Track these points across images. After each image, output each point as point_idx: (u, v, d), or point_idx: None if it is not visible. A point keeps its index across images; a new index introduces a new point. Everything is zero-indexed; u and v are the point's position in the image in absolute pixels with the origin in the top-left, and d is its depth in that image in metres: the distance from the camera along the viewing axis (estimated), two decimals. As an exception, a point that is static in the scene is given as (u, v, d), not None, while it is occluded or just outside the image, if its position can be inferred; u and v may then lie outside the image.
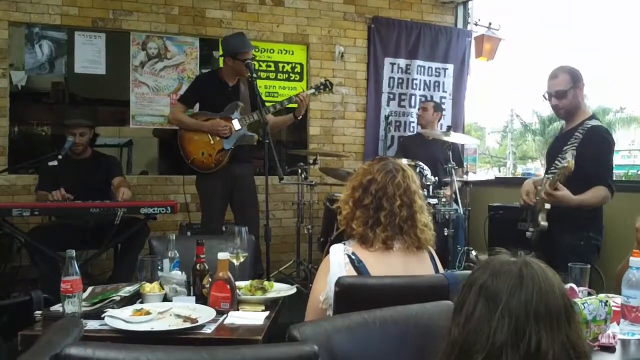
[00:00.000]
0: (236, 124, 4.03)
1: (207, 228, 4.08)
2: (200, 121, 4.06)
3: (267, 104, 4.18)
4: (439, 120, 5.32)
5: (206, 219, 4.18)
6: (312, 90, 4.26)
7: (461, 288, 1.13)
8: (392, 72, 5.85)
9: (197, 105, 4.27)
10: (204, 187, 4.16)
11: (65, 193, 3.65)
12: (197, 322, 1.88)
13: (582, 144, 2.97)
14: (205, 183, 4.14)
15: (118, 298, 2.08)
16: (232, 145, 4.02)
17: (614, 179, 3.25)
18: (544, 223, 3.01)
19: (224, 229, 3.79)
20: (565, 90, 3.08)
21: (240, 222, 3.88)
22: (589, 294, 1.91)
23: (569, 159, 2.74)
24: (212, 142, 4.02)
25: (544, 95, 3.19)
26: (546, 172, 3.26)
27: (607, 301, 1.74)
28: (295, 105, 4.15)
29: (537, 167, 28.77)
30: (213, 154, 4.02)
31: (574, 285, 1.91)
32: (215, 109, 4.06)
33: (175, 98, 5.11)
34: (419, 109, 5.46)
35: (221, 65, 5.16)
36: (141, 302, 2.14)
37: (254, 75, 3.86)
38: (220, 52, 5.20)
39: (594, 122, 3.08)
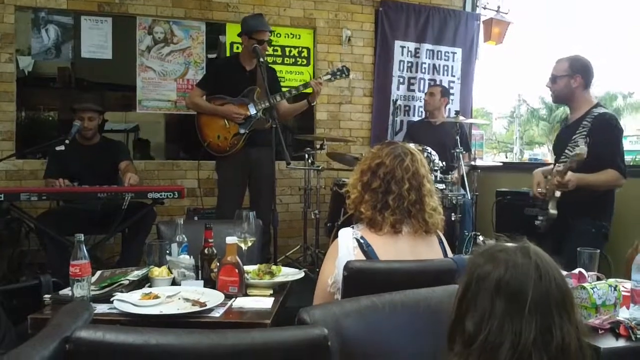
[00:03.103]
0: (251, 109, 4.05)
1: (220, 211, 4.10)
2: (215, 105, 4.08)
3: (284, 89, 4.23)
4: (446, 106, 5.23)
5: (220, 202, 4.22)
6: (329, 76, 4.25)
7: (465, 281, 1.10)
8: (402, 55, 5.79)
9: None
10: (220, 171, 4.23)
11: (69, 182, 3.67)
12: (205, 306, 1.88)
13: (591, 132, 3.03)
14: (221, 166, 4.21)
15: (127, 282, 2.09)
16: (247, 129, 4.04)
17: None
18: (553, 211, 3.11)
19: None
20: (558, 76, 3.20)
21: (255, 207, 3.90)
22: (598, 278, 1.91)
23: (582, 147, 2.82)
24: (227, 125, 4.05)
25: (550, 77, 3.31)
26: (556, 162, 3.26)
27: (616, 286, 1.73)
28: (310, 90, 4.15)
29: (544, 153, 28.67)
30: (228, 137, 4.06)
31: (583, 270, 1.90)
32: (233, 93, 4.08)
33: (181, 83, 5.11)
34: (425, 94, 5.30)
35: (228, 52, 5.20)
36: (150, 286, 2.15)
37: (261, 60, 3.86)
38: (228, 36, 5.22)
39: (600, 110, 3.15)
